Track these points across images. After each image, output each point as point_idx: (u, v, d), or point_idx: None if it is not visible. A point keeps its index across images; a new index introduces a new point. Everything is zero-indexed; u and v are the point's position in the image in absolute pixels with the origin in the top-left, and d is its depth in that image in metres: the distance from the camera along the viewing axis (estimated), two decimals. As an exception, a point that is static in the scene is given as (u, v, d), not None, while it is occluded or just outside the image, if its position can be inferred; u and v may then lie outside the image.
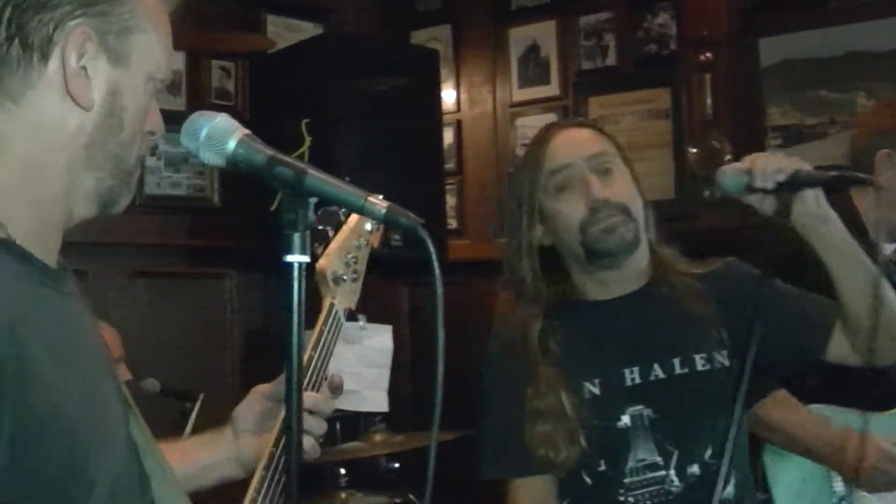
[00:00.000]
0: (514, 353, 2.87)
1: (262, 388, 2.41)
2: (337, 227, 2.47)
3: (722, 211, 5.64)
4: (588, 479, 2.77)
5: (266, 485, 2.21)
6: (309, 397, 2.28)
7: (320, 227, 2.43)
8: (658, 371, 2.80)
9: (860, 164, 3.42)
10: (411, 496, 4.27)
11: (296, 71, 5.61)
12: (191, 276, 5.93)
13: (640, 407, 2.76)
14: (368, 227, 2.51)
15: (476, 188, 6.79)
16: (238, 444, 2.38)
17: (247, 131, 1.74)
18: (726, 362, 2.81)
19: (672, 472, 2.73)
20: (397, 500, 4.49)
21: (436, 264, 1.60)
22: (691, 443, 2.75)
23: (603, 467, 2.75)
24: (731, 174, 2.67)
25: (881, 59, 5.39)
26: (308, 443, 2.28)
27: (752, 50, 5.82)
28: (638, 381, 2.79)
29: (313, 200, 1.68)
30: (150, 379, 4.77)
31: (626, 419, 2.75)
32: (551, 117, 6.46)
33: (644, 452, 2.74)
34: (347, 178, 1.71)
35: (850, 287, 2.72)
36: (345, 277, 2.44)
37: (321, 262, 2.42)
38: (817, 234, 2.69)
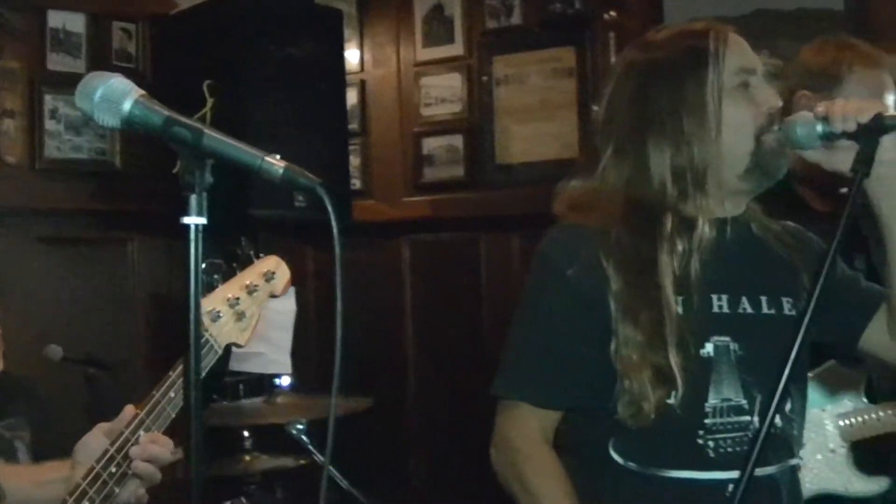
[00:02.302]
0: (597, 265, 2.53)
1: (104, 426, 2.48)
2: (226, 277, 2.57)
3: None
4: (651, 414, 2.46)
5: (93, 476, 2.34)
6: (147, 446, 2.37)
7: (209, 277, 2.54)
8: (746, 304, 2.58)
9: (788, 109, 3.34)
10: (317, 459, 4.27)
11: (199, 32, 5.55)
12: (94, 241, 5.85)
13: (726, 338, 2.52)
14: (265, 277, 2.59)
15: (381, 148, 6.77)
16: (73, 472, 2.43)
17: (143, 92, 1.72)
18: (793, 313, 2.61)
19: (756, 419, 2.50)
20: (303, 462, 4.49)
21: (335, 223, 1.59)
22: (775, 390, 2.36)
23: (672, 401, 2.46)
24: (802, 123, 2.45)
25: (786, 18, 5.43)
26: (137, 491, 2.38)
27: (656, 8, 5.84)
28: (726, 310, 2.56)
29: (210, 161, 1.66)
30: (53, 345, 4.71)
31: (709, 347, 2.50)
32: (455, 77, 6.46)
33: (729, 391, 2.50)
34: (251, 140, 1.69)
35: None
36: (221, 314, 2.50)
37: None
38: (891, 190, 2.46)
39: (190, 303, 1.58)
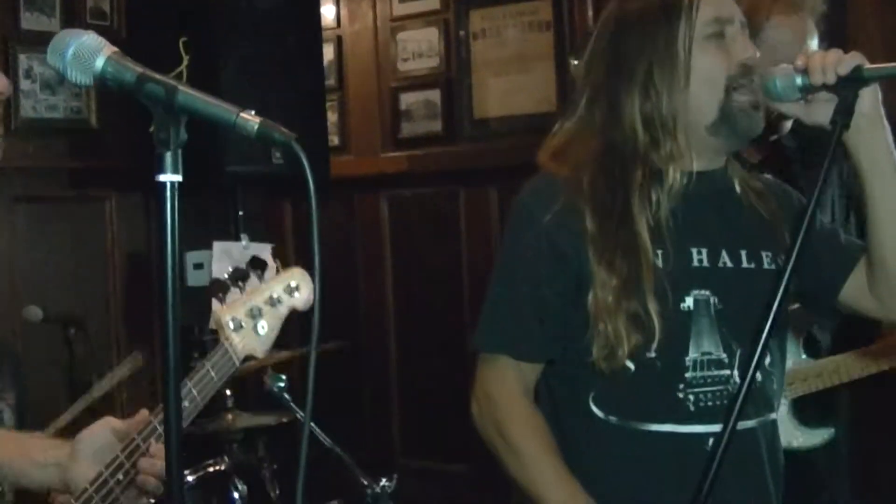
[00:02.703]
0: (572, 213, 2.52)
1: (112, 422, 2.41)
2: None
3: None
4: (631, 366, 2.48)
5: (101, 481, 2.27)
6: (157, 462, 2.30)
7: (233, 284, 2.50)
8: (726, 258, 2.57)
9: None
10: (298, 416, 4.27)
11: (173, -11, 5.52)
12: (70, 199, 5.84)
13: (706, 292, 2.52)
14: (289, 291, 2.52)
15: (358, 103, 6.76)
16: (72, 462, 2.35)
17: (115, 49, 1.70)
18: (772, 267, 2.59)
19: (736, 372, 2.51)
20: (284, 420, 4.49)
21: (310, 178, 1.58)
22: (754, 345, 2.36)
23: (653, 354, 2.47)
24: (781, 76, 2.41)
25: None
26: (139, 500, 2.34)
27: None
28: (706, 263, 2.55)
29: (185, 118, 1.65)
30: (32, 306, 4.71)
31: (689, 301, 2.50)
32: (433, 31, 6.44)
33: (709, 344, 2.50)
34: (228, 96, 1.68)
35: (888, 213, 2.49)
36: (243, 325, 2.46)
37: (218, 308, 2.46)
38: (869, 143, 2.43)
39: (166, 259, 1.57)
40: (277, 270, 2.53)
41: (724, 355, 2.52)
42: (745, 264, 2.59)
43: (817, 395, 3.34)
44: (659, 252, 2.50)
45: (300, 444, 1.79)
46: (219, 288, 2.47)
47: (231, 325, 2.44)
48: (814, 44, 3.27)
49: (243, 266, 2.51)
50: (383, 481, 4.05)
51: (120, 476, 2.28)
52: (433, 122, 6.45)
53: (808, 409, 3.34)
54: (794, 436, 3.30)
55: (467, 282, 6.29)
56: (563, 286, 2.54)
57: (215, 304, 2.47)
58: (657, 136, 2.53)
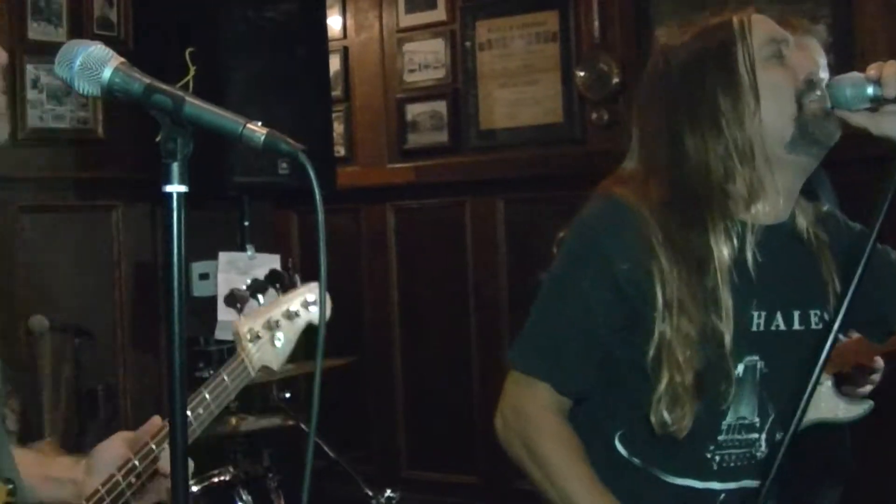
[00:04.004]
0: (642, 249, 2.41)
1: (124, 435, 2.42)
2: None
3: (610, 134, 5.68)
4: (686, 421, 2.40)
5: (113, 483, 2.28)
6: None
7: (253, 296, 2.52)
8: (780, 321, 2.49)
9: None
10: (302, 425, 4.28)
11: (180, -1, 5.53)
12: (77, 209, 5.84)
13: (755, 357, 2.46)
14: (306, 306, 2.53)
15: (364, 114, 6.77)
16: (87, 477, 2.36)
17: (122, 60, 1.71)
18: (820, 326, 2.53)
19: (763, 436, 2.49)
20: (290, 422, 4.49)
21: (317, 190, 1.58)
22: (789, 406, 2.38)
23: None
24: (851, 84, 2.35)
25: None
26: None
27: (640, -29, 5.84)
28: (762, 328, 2.47)
29: (192, 128, 1.65)
30: (39, 315, 4.72)
31: (741, 368, 2.44)
32: (439, 42, 6.45)
33: (746, 409, 2.47)
34: (235, 107, 1.68)
35: None
36: (260, 336, 2.47)
37: (236, 318, 2.49)
38: None
39: (172, 270, 1.57)
40: (297, 284, 2.54)
41: (756, 419, 2.49)
42: (796, 326, 2.51)
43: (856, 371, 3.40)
44: (731, 310, 2.40)
45: (305, 454, 1.78)
46: (237, 299, 2.48)
47: (248, 336, 2.46)
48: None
49: (262, 278, 2.52)
50: (388, 492, 4.05)
51: (132, 479, 2.29)
52: (439, 133, 6.46)
53: (848, 383, 3.39)
54: (839, 408, 3.35)
55: (473, 292, 6.29)
56: (617, 323, 2.45)
57: (233, 314, 2.48)
58: (733, 167, 2.43)
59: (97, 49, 1.71)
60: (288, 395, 4.16)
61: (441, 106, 6.46)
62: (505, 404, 2.57)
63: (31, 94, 5.58)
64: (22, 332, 4.92)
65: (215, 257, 4.97)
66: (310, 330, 2.52)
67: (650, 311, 2.39)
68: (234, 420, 4.51)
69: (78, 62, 1.69)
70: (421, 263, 6.58)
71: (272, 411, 4.54)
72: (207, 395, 2.37)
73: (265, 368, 2.51)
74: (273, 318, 2.49)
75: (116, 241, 5.91)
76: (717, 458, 2.48)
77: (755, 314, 2.46)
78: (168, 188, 1.63)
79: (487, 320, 6.20)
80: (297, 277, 2.54)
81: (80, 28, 5.77)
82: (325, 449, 4.14)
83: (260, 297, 2.53)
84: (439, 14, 6.47)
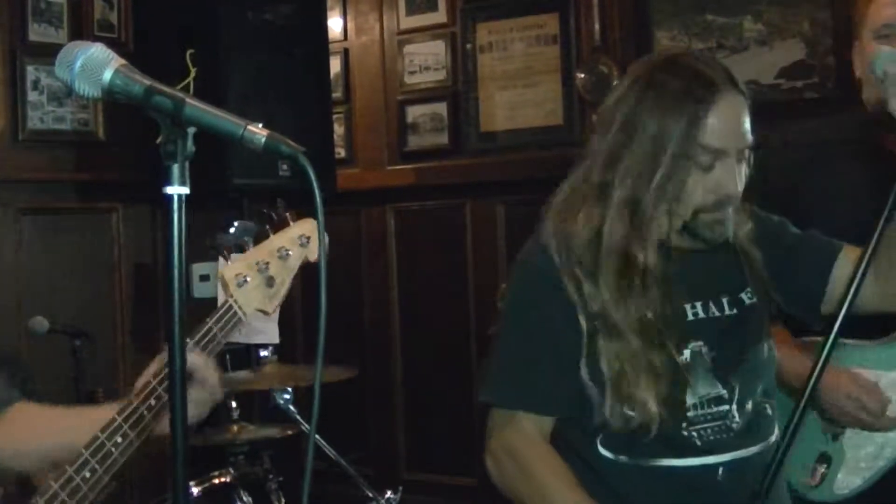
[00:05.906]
0: (583, 266, 2.56)
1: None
2: (257, 239, 2.47)
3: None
4: (632, 413, 2.51)
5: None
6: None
7: (239, 240, 2.47)
8: (713, 308, 2.62)
9: None
10: (304, 428, 4.27)
11: (180, 1, 5.52)
12: (77, 211, 5.84)
13: (700, 343, 2.57)
14: (299, 242, 2.49)
15: (364, 116, 6.77)
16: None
17: (123, 61, 1.71)
18: (754, 300, 2.68)
19: (734, 407, 2.57)
20: (289, 432, 4.49)
21: (317, 192, 1.58)
22: (749, 377, 2.60)
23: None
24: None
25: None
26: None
27: (639, -26, 5.84)
28: (701, 315, 2.61)
29: (192, 130, 1.66)
30: (38, 317, 4.71)
31: (687, 353, 2.56)
32: (440, 45, 6.45)
33: (705, 388, 2.56)
34: (235, 109, 1.69)
35: None
36: (248, 279, 2.42)
37: (223, 266, 2.44)
38: None
39: (173, 272, 1.58)
40: (290, 222, 2.49)
41: (723, 391, 2.57)
42: (727, 311, 2.64)
43: None
44: (668, 307, 2.54)
45: (306, 456, 1.79)
46: (222, 246, 2.43)
47: (236, 282, 2.41)
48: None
49: (250, 221, 2.46)
50: (388, 494, 4.05)
51: (118, 439, 2.27)
52: (440, 136, 6.46)
53: None
54: None
55: (473, 295, 6.29)
56: (574, 344, 2.55)
57: (220, 262, 2.44)
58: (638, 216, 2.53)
59: (98, 51, 1.71)
60: (288, 395, 4.15)
61: (441, 108, 6.46)
62: (493, 445, 2.65)
63: (31, 96, 5.58)
64: (22, 333, 4.92)
65: (215, 259, 4.96)
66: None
67: (599, 323, 2.53)
68: (234, 428, 4.51)
69: (78, 64, 1.70)
70: (421, 265, 6.57)
71: (272, 419, 4.54)
72: (195, 347, 2.34)
73: (260, 311, 2.45)
74: (262, 260, 2.44)
75: (117, 242, 5.91)
76: (695, 433, 2.54)
77: (687, 306, 2.60)
78: (168, 190, 1.63)
79: (487, 322, 6.17)
80: (289, 216, 2.48)
81: (81, 30, 5.77)
82: (326, 450, 4.13)
83: (247, 239, 2.47)
84: (440, 16, 6.47)
